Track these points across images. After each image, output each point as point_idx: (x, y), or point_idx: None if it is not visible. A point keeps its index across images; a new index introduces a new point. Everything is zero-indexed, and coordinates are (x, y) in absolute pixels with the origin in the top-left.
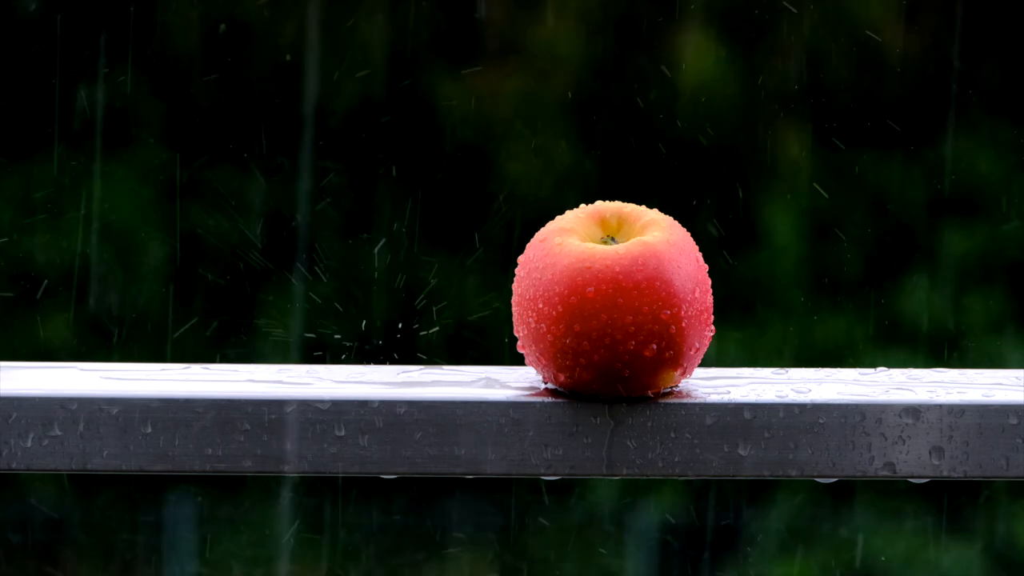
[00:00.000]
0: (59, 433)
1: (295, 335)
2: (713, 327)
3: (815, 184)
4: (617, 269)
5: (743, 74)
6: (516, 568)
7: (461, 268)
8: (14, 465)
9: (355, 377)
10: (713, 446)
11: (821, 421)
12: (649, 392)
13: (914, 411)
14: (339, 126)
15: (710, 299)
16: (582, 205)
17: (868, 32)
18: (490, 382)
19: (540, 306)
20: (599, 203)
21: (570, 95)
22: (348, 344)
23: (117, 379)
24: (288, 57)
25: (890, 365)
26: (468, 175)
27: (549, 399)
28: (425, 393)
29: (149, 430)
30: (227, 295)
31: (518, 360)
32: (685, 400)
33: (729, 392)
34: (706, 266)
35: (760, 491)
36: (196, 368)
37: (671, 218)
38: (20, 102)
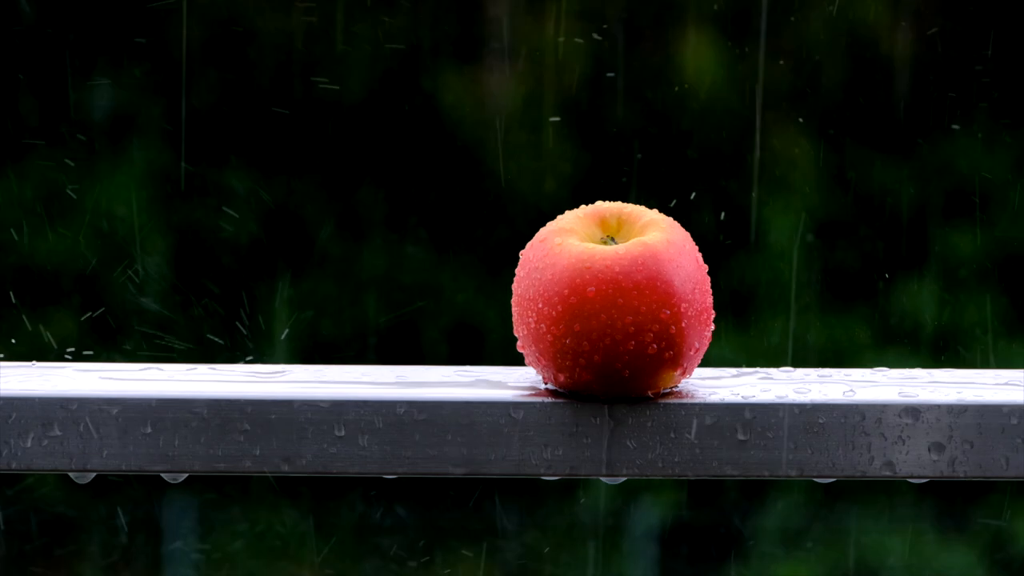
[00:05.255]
0: (59, 433)
1: (295, 335)
2: (713, 326)
3: (814, 184)
4: (617, 269)
5: (743, 74)
6: (515, 568)
7: (461, 267)
8: (14, 465)
9: (355, 377)
10: (713, 446)
11: (821, 421)
12: (649, 392)
13: (914, 411)
14: (340, 125)
15: (710, 299)
16: (582, 205)
17: (867, 32)
18: (490, 382)
19: (540, 306)
20: (599, 203)
21: (570, 95)
22: (348, 344)
23: (117, 379)
24: (290, 56)
25: (890, 365)
26: (468, 174)
27: (549, 399)
28: (425, 393)
29: (149, 430)
30: (227, 294)
31: (518, 360)
32: (685, 400)
33: (729, 392)
34: (706, 266)
35: (760, 491)
36: (196, 368)
37: (671, 218)
38: (23, 102)
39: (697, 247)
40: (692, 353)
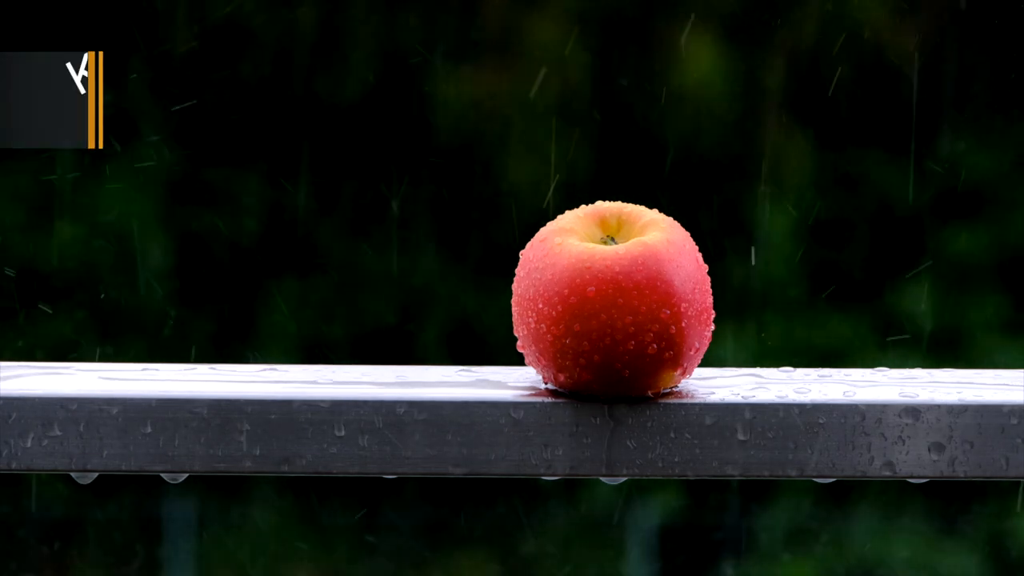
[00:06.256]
0: (59, 433)
1: (295, 335)
2: (713, 326)
3: (815, 184)
4: (617, 269)
5: (743, 75)
6: (516, 568)
7: (461, 268)
8: (14, 465)
9: (355, 377)
10: (713, 446)
11: (821, 421)
12: (649, 392)
13: (914, 411)
14: (339, 126)
15: (710, 299)
16: (582, 205)
17: (867, 34)
18: (490, 382)
19: (540, 306)
20: (599, 203)
21: (570, 95)
22: (348, 344)
23: (117, 379)
24: (289, 56)
25: (890, 365)
26: (468, 175)
27: (549, 399)
28: (425, 393)
29: (149, 430)
30: (227, 294)
31: (518, 360)
32: (685, 400)
33: (729, 392)
34: (706, 266)
35: (760, 491)
36: (196, 368)
37: (671, 218)
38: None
39: (697, 247)
40: (692, 353)
